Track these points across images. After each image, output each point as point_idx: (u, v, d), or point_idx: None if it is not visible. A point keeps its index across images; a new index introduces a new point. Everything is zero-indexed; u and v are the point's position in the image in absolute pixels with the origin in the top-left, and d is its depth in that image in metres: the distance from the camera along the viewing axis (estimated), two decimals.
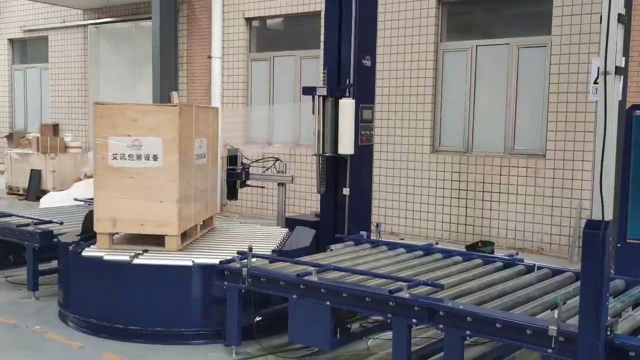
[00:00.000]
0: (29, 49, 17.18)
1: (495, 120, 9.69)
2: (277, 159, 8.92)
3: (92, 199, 8.71)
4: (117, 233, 6.00)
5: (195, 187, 6.17)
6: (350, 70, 7.21)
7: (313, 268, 4.69)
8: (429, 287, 4.42)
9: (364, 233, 6.40)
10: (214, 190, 7.32)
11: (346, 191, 7.33)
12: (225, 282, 5.09)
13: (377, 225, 6.38)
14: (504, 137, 9.61)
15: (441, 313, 4.05)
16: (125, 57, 14.59)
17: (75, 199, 8.85)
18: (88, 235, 6.07)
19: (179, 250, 5.76)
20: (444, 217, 10.00)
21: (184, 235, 6.05)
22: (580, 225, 8.78)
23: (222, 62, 12.35)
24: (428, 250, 5.82)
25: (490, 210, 9.56)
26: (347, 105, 7.07)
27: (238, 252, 5.28)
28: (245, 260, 5.02)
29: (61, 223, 6.78)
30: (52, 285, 6.86)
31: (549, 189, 9.09)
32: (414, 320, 4.17)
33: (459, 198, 9.85)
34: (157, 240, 5.82)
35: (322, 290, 4.57)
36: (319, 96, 7.14)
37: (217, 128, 7.35)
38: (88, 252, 5.72)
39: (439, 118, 10.18)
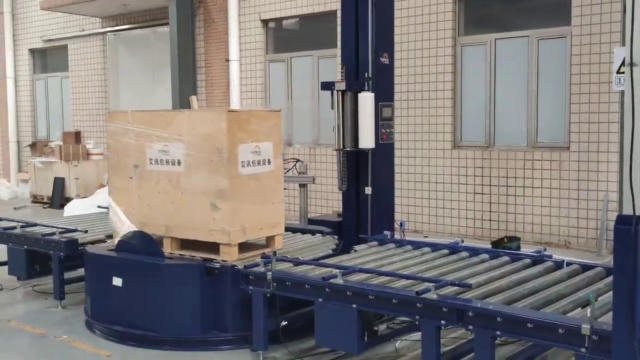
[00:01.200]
0: (49, 58, 17.34)
1: (516, 114, 9.57)
2: (298, 160, 8.89)
3: None
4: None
5: None
6: (368, 67, 7.18)
7: (338, 270, 4.65)
8: (457, 287, 4.36)
9: (387, 233, 6.34)
10: None
11: (368, 190, 7.27)
12: (250, 287, 5.07)
13: (401, 224, 6.33)
14: (526, 131, 9.49)
15: (470, 314, 3.99)
16: (144, 63, 14.65)
17: (99, 206, 8.88)
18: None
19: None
20: (467, 213, 9.90)
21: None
22: (608, 217, 8.65)
23: (240, 64, 12.40)
24: (454, 248, 5.75)
25: (515, 205, 9.45)
26: (366, 99, 7.01)
27: (262, 256, 5.26)
28: (270, 265, 5.00)
29: (86, 231, 6.81)
30: (79, 293, 6.90)
31: (574, 181, 8.96)
32: (442, 322, 4.12)
33: (482, 193, 9.75)
34: (209, 248, 5.64)
35: (348, 292, 4.53)
36: (337, 91, 7.08)
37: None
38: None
39: (460, 113, 10.08)
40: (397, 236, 6.74)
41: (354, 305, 4.50)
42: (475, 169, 9.80)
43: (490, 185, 9.67)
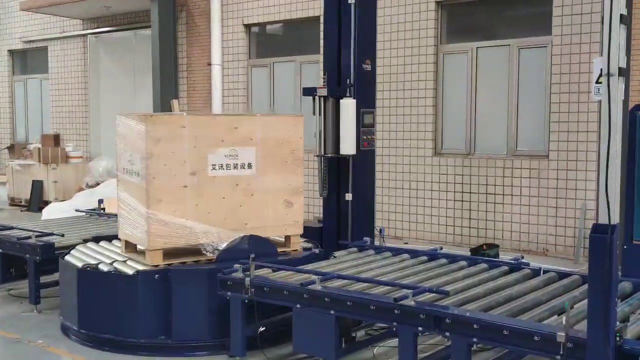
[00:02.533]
0: (29, 59, 17.18)
1: (497, 122, 9.63)
2: None
3: (94, 209, 8.73)
4: None
5: None
6: (350, 74, 7.19)
7: (316, 276, 4.64)
8: (434, 294, 4.37)
9: (367, 239, 6.34)
10: None
11: (349, 196, 7.29)
12: (228, 293, 5.04)
13: (380, 231, 6.33)
14: (507, 139, 9.55)
15: (447, 320, 4.00)
16: (125, 66, 14.58)
17: (77, 210, 8.79)
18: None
19: None
20: (447, 220, 9.94)
21: None
22: (586, 226, 8.72)
23: (222, 69, 12.36)
24: (432, 255, 5.77)
25: (494, 212, 9.50)
26: (348, 105, 7.01)
27: (239, 262, 5.23)
28: (248, 271, 4.97)
29: (62, 235, 6.73)
30: (54, 297, 6.82)
31: (552, 190, 9.03)
32: (419, 329, 4.12)
33: (462, 201, 9.79)
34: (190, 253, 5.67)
35: (326, 299, 4.52)
36: (319, 96, 7.10)
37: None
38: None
39: (441, 121, 10.13)
40: (376, 243, 6.74)
41: (332, 312, 4.49)
42: (455, 177, 9.84)
43: (470, 192, 9.71)
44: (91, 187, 13.46)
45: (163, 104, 12.13)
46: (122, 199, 5.92)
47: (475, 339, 3.89)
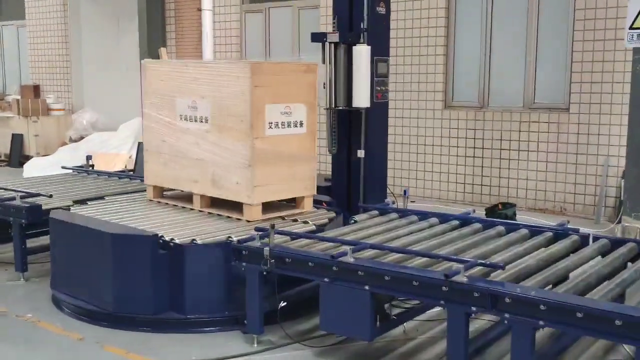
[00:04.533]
0: (3, 4, 16.14)
1: (513, 72, 8.98)
2: None
3: (81, 166, 8.05)
4: None
5: None
6: (363, 18, 6.55)
7: (348, 247, 4.06)
8: (483, 267, 3.82)
9: (389, 201, 5.78)
10: None
11: (361, 153, 6.75)
12: (244, 263, 4.46)
13: (405, 192, 5.76)
14: (524, 90, 8.93)
15: (507, 300, 3.45)
16: (108, 11, 13.64)
17: (63, 167, 8.11)
18: None
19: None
20: (457, 177, 9.39)
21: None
22: (608, 183, 8.23)
23: (214, 14, 11.52)
24: (464, 220, 5.21)
25: (509, 169, 8.95)
26: (362, 53, 6.40)
27: (256, 229, 4.65)
28: (267, 239, 4.39)
29: (50, 196, 6.07)
30: (43, 264, 6.22)
31: (572, 145, 8.48)
32: (473, 308, 3.58)
33: (474, 157, 9.23)
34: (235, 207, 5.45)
35: (360, 272, 3.95)
36: (330, 43, 6.46)
37: None
38: None
39: (452, 70, 9.47)
40: (395, 204, 6.17)
41: (366, 287, 3.93)
42: (467, 131, 9.25)
43: (482, 148, 9.14)
44: (75, 141, 12.75)
45: (151, 53, 11.36)
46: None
47: (542, 322, 3.35)
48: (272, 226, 4.37)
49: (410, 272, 3.80)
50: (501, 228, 4.95)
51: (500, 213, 8.12)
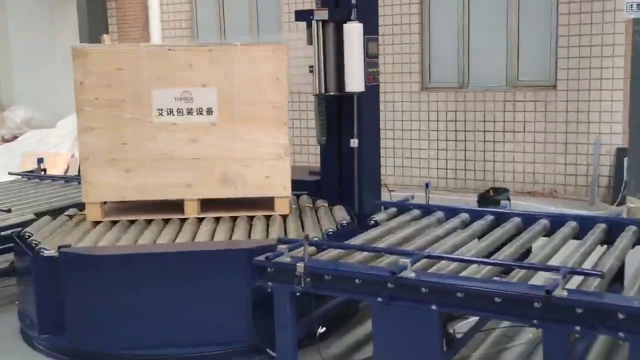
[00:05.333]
0: None
1: (494, 49, 8.49)
2: None
3: (30, 171, 7.08)
4: None
5: None
6: None
7: (407, 259, 3.39)
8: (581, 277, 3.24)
9: (409, 195, 5.16)
10: None
11: (354, 142, 6.15)
12: (270, 283, 3.74)
13: (427, 185, 5.14)
14: (506, 68, 8.46)
15: (621, 316, 2.88)
16: None
17: (11, 173, 7.08)
18: None
19: None
20: (439, 162, 8.87)
21: None
22: (601, 162, 7.87)
23: None
24: (500, 214, 4.62)
25: (494, 152, 8.50)
26: (354, 31, 5.75)
27: (280, 240, 3.93)
28: (298, 250, 3.69)
29: (8, 210, 5.13)
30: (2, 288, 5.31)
31: (561, 124, 8.08)
32: (577, 328, 2.99)
33: (456, 140, 8.72)
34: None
35: (423, 289, 3.30)
36: (317, 21, 5.78)
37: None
38: None
39: (428, 49, 8.91)
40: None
41: (433, 307, 3.29)
42: (447, 113, 8.73)
43: (465, 131, 8.65)
44: (8, 141, 11.58)
45: (92, 40, 10.30)
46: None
47: None
48: (307, 237, 3.65)
49: (492, 287, 3.17)
50: (545, 221, 4.37)
51: (492, 199, 7.65)
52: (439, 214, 4.77)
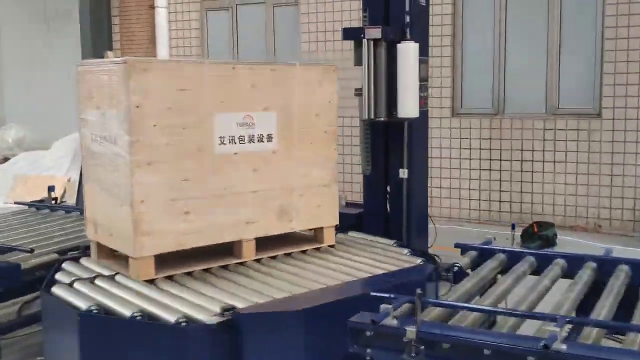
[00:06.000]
0: None
1: (533, 74, 8.02)
2: None
3: (40, 200, 6.36)
4: None
5: None
6: (405, 9, 5.48)
7: (556, 327, 2.79)
8: None
9: (491, 238, 4.59)
10: None
11: (404, 173, 5.70)
12: (368, 350, 3.11)
13: (513, 227, 4.59)
14: (545, 94, 7.99)
15: None
16: (34, 10, 11.74)
17: (17, 202, 6.35)
18: None
19: None
20: (471, 193, 8.34)
21: None
22: None
23: (169, 13, 9.98)
24: (603, 261, 4.06)
25: (532, 183, 8.00)
26: (409, 52, 5.36)
27: (376, 298, 3.30)
28: (403, 307, 3.08)
29: (31, 251, 4.42)
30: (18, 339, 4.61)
31: (606, 154, 7.62)
32: None
33: (490, 170, 8.21)
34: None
35: None
36: (369, 40, 5.36)
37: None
38: None
39: (460, 72, 8.42)
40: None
41: None
42: (481, 141, 8.23)
43: (500, 159, 8.14)
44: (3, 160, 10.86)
45: (95, 57, 9.63)
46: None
47: None
48: (419, 295, 3.04)
49: None
50: None
51: (539, 235, 7.15)
52: (530, 260, 4.20)
